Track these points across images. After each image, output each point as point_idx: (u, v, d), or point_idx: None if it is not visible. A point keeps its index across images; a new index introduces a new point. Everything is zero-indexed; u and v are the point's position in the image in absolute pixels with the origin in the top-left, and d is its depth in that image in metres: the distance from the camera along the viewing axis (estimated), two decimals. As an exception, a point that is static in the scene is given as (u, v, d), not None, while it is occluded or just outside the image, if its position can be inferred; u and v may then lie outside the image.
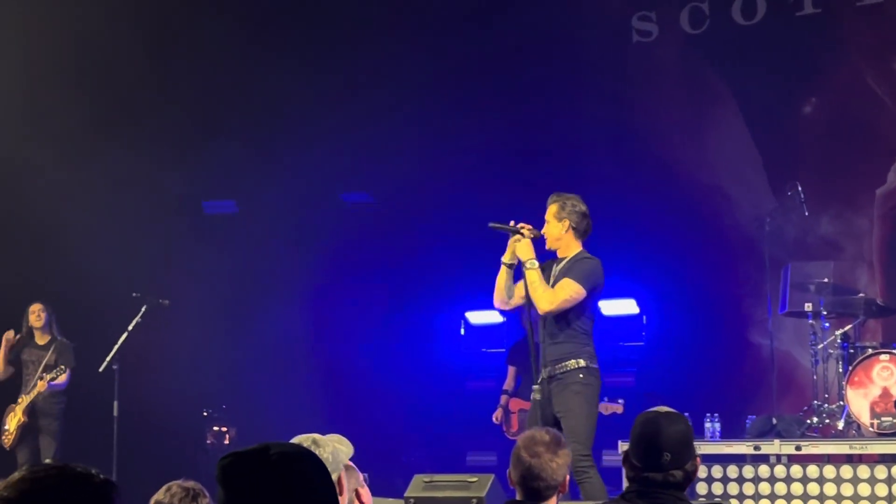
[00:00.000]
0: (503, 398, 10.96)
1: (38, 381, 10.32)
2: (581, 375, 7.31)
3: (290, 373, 12.47)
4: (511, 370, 11.03)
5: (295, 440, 4.31)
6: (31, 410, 10.40)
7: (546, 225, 7.45)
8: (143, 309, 10.22)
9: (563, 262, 7.44)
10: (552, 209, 7.47)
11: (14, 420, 10.39)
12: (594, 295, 7.50)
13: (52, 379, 10.29)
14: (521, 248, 7.34)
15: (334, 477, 4.27)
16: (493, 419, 10.93)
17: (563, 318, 7.37)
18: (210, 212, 13.33)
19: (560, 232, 7.43)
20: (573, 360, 7.32)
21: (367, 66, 12.59)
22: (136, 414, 10.90)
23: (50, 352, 10.58)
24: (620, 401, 10.05)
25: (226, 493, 2.44)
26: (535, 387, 7.29)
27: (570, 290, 7.30)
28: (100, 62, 12.12)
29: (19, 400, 10.45)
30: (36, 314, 10.69)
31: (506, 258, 7.47)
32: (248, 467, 2.44)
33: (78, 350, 10.70)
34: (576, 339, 7.38)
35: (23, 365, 10.64)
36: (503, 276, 7.52)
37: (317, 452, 4.23)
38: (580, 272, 7.36)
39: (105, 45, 11.93)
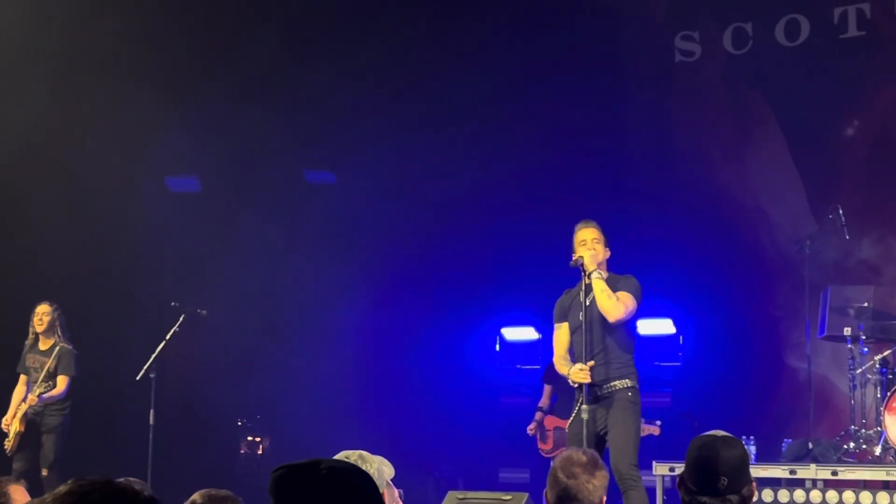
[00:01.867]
0: (538, 415, 10.95)
1: (29, 396, 10.16)
2: (630, 394, 7.42)
3: (325, 385, 12.49)
4: (547, 388, 11.01)
5: (341, 455, 4.35)
6: (29, 420, 10.17)
7: (595, 246, 7.55)
8: (181, 318, 10.25)
9: (614, 281, 7.53)
10: (596, 233, 7.61)
11: (13, 428, 10.17)
12: (637, 313, 7.64)
13: (43, 393, 10.13)
14: (588, 259, 7.46)
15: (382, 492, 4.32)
16: (528, 431, 10.92)
17: (611, 337, 7.47)
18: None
19: (605, 255, 7.60)
20: (623, 381, 7.44)
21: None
22: (172, 422, 10.94)
23: (51, 358, 10.31)
24: (658, 422, 10.02)
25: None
26: (585, 406, 7.31)
27: (631, 302, 7.45)
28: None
29: (20, 405, 10.22)
30: (39, 317, 10.37)
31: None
32: (300, 480, 2.50)
33: (82, 357, 10.45)
34: (624, 360, 7.51)
35: (28, 370, 10.41)
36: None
37: (363, 468, 4.27)
38: (632, 288, 7.53)
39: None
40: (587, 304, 7.48)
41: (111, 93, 12.17)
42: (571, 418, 7.49)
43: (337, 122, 12.85)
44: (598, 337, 7.46)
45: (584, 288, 7.51)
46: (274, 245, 12.84)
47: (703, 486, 4.14)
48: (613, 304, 7.36)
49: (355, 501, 2.49)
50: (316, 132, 12.93)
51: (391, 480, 4.59)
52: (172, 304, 10.36)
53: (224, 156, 12.73)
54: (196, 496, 4.49)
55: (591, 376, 7.33)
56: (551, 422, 10.78)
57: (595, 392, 7.37)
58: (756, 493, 8.49)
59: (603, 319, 7.44)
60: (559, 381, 10.81)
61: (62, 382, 10.27)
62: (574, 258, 7.56)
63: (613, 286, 7.46)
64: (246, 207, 12.81)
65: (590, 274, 7.45)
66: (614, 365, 7.44)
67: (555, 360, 7.74)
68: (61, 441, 10.27)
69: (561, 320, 7.74)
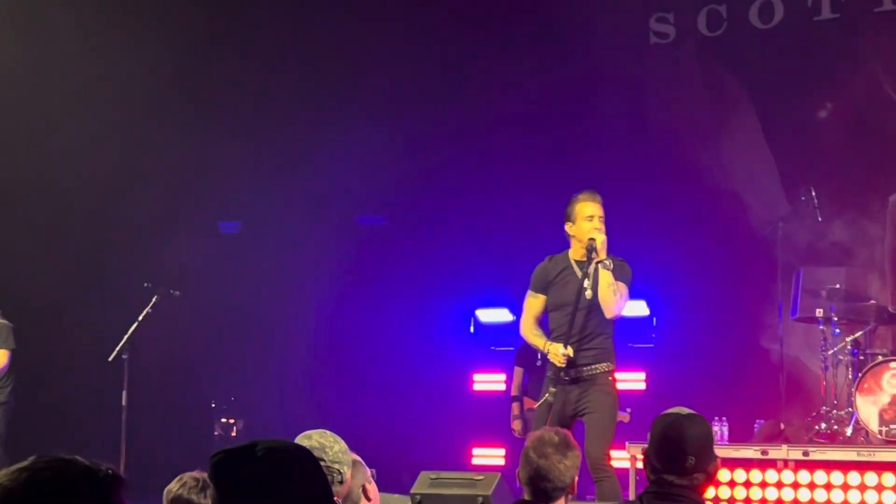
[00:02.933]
0: (515, 407, 10.87)
1: None
2: (610, 378, 7.35)
3: (299, 368, 12.48)
4: (518, 371, 10.99)
5: (303, 435, 4.35)
6: None
7: (602, 226, 7.34)
8: (153, 299, 10.21)
9: (604, 262, 7.30)
10: (602, 211, 7.39)
11: None
12: None
13: None
14: (601, 242, 7.25)
15: (345, 470, 4.33)
16: (515, 432, 10.83)
17: (596, 321, 7.33)
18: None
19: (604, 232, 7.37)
20: (605, 364, 7.36)
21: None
22: (146, 404, 10.91)
23: None
24: (628, 410, 10.03)
25: (217, 490, 2.47)
26: (552, 389, 7.25)
27: (626, 295, 7.34)
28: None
29: None
30: None
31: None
32: (237, 464, 2.47)
33: (18, 330, 10.42)
34: (607, 344, 7.42)
35: None
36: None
37: (329, 445, 4.28)
38: (627, 277, 7.38)
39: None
40: (588, 284, 7.24)
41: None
42: (541, 400, 7.43)
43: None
44: (583, 320, 7.31)
45: (579, 267, 7.32)
46: (249, 227, 12.81)
47: (670, 466, 4.15)
48: (616, 301, 7.22)
49: (294, 480, 2.47)
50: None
51: (361, 457, 4.59)
52: (145, 284, 10.32)
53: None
54: (174, 484, 4.49)
55: (573, 358, 7.25)
56: (526, 403, 10.79)
57: (573, 374, 7.30)
58: (729, 473, 8.59)
59: (596, 305, 7.28)
60: (531, 364, 10.84)
61: (3, 356, 10.22)
62: (586, 238, 7.25)
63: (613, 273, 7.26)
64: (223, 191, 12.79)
65: (599, 262, 7.23)
66: (597, 348, 7.34)
67: (522, 327, 7.55)
68: (5, 420, 10.24)
69: (539, 291, 7.52)
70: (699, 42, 12.40)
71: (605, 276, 7.20)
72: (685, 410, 4.35)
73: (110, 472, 2.22)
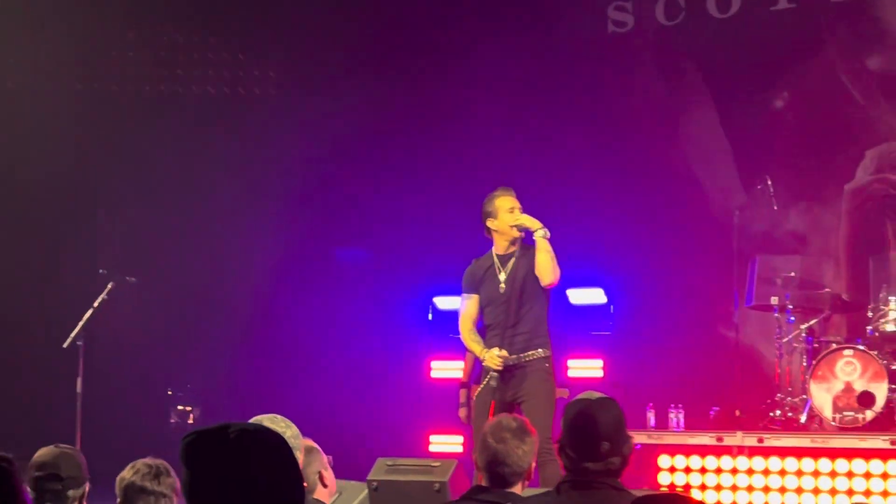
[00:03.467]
0: (462, 394, 10.91)
1: None
2: (546, 364, 7.43)
3: (255, 355, 12.44)
4: (470, 357, 11.01)
5: (256, 419, 4.33)
6: None
7: (521, 214, 7.52)
8: (109, 286, 10.12)
9: (527, 252, 7.49)
10: (517, 202, 7.58)
11: None
12: (560, 284, 7.70)
13: None
14: (529, 218, 7.47)
15: (298, 455, 4.32)
16: (463, 418, 10.87)
17: (529, 308, 7.47)
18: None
19: None
20: (540, 350, 7.46)
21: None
22: (101, 391, 10.84)
23: None
24: (566, 389, 10.08)
25: (188, 471, 2.48)
26: (494, 374, 7.34)
27: (558, 272, 7.45)
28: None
29: None
30: None
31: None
32: (209, 445, 2.47)
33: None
34: (539, 330, 7.52)
35: None
36: None
37: (281, 431, 4.27)
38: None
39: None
40: (504, 276, 7.47)
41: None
42: (480, 387, 7.51)
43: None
44: (515, 308, 7.45)
45: (501, 262, 7.51)
46: (205, 214, 12.74)
47: (585, 453, 4.10)
48: (553, 266, 7.39)
49: (266, 463, 2.48)
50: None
51: (319, 444, 4.59)
52: (101, 271, 10.24)
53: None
54: (127, 471, 4.47)
55: (506, 343, 7.37)
56: (474, 390, 10.83)
57: (509, 362, 7.38)
58: (668, 458, 8.65)
59: (522, 290, 7.43)
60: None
61: None
62: (515, 224, 7.48)
63: (529, 259, 7.45)
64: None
65: (535, 232, 7.41)
66: (530, 335, 7.45)
67: (461, 331, 7.69)
68: None
69: (471, 291, 7.68)
70: (657, 31, 12.44)
71: (543, 244, 7.40)
72: (595, 395, 4.32)
73: (5, 459, 2.21)
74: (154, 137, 12.51)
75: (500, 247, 7.61)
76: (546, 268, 7.37)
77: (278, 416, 4.43)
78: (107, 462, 5.45)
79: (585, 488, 4.05)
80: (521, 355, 7.42)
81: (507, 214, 7.52)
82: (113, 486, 4.50)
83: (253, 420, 4.38)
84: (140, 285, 10.57)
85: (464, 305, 7.72)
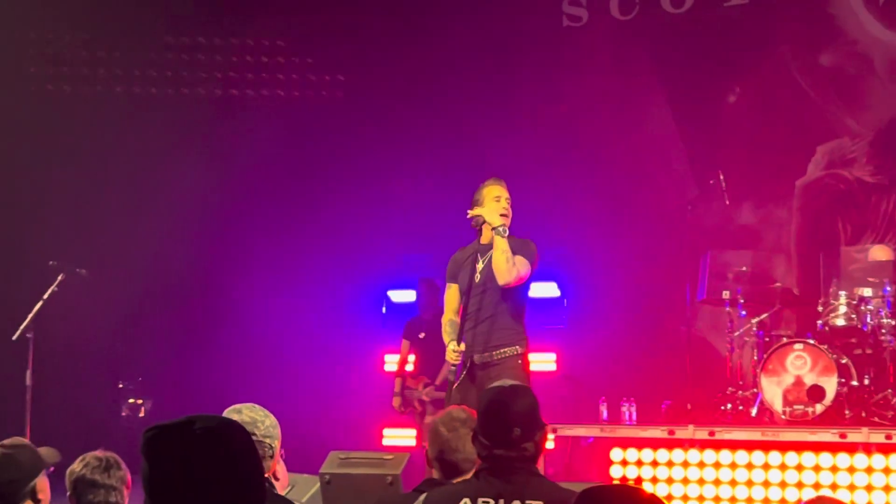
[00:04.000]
0: (397, 382, 10.98)
1: None
2: (520, 361, 7.31)
3: (209, 348, 12.37)
4: (406, 344, 11.04)
5: (234, 408, 4.32)
6: None
7: (508, 207, 7.32)
8: (59, 277, 10.01)
9: (498, 229, 7.26)
10: (505, 192, 7.37)
11: None
12: (531, 279, 7.48)
13: None
14: (489, 212, 7.26)
15: (276, 444, 4.34)
16: (396, 407, 10.94)
17: (503, 302, 7.32)
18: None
19: (510, 215, 7.37)
20: (513, 347, 7.33)
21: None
22: (51, 384, 10.74)
23: None
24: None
25: (150, 466, 2.45)
26: (452, 367, 7.26)
27: (525, 269, 7.26)
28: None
29: None
30: None
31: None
32: (173, 440, 2.45)
33: None
34: (514, 327, 7.37)
35: None
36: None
37: (260, 420, 4.29)
38: (529, 253, 7.31)
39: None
40: (481, 266, 7.31)
41: None
42: (448, 390, 7.38)
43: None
44: (489, 301, 7.30)
45: (479, 248, 7.37)
46: (156, 206, 12.65)
47: (497, 439, 4.11)
48: (509, 267, 7.14)
49: (230, 457, 2.46)
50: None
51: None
52: (51, 262, 10.13)
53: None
54: (76, 464, 4.43)
55: (476, 339, 7.28)
56: (415, 382, 10.88)
57: (479, 359, 7.28)
58: (620, 451, 8.68)
59: (493, 284, 7.26)
60: (415, 337, 10.91)
61: None
62: (472, 215, 7.31)
63: (511, 249, 7.24)
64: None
65: (494, 229, 7.20)
66: (504, 331, 7.30)
67: (443, 321, 7.55)
68: None
69: (452, 280, 7.52)
70: (612, 26, 12.48)
71: (500, 243, 7.16)
72: (508, 382, 4.34)
73: None
74: (101, 133, 12.43)
75: (484, 236, 7.40)
76: (500, 267, 7.16)
77: (256, 406, 4.43)
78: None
79: (503, 473, 4.05)
80: (494, 353, 7.28)
81: (492, 202, 7.28)
82: (63, 479, 4.47)
83: (231, 409, 4.36)
84: (91, 277, 10.46)
85: (446, 294, 7.58)
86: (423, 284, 11.07)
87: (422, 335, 10.83)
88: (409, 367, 11.11)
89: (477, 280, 7.33)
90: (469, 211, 7.39)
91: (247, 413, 4.34)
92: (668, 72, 12.19)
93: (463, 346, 7.21)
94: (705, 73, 11.99)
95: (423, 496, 4.20)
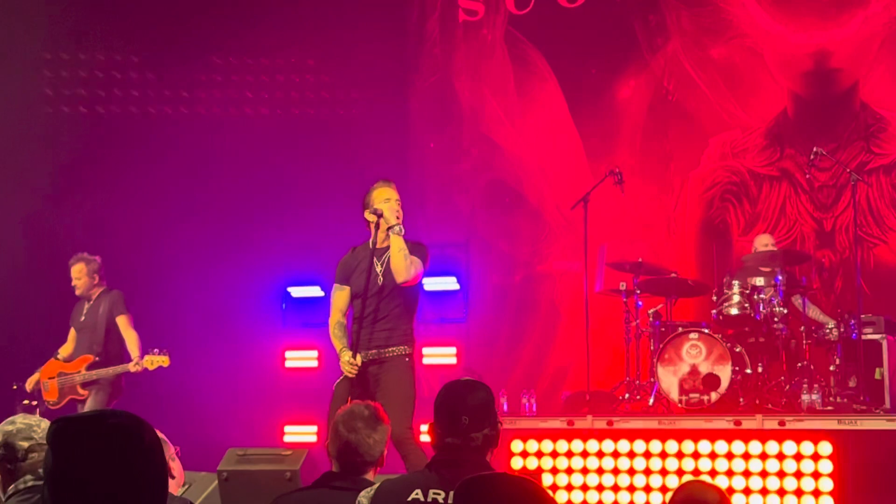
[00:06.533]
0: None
1: None
2: (406, 360, 7.34)
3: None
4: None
5: (10, 420, 4.29)
6: None
7: (399, 208, 7.36)
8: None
9: (394, 228, 7.33)
10: (395, 193, 7.42)
11: None
12: (422, 282, 7.56)
13: None
14: (389, 210, 7.29)
15: None
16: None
17: (397, 304, 7.35)
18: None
19: (401, 216, 7.41)
20: (401, 347, 7.36)
21: None
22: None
23: None
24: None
25: (55, 459, 2.40)
26: (348, 359, 7.24)
27: (420, 269, 7.32)
28: None
29: None
30: None
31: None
32: (82, 434, 2.41)
33: None
34: (405, 328, 7.41)
35: None
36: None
37: (36, 424, 4.27)
38: (421, 254, 7.37)
39: None
40: (381, 268, 7.32)
41: None
42: (341, 378, 7.38)
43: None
44: (384, 303, 7.33)
45: (373, 251, 7.35)
46: (51, 197, 12.45)
47: (448, 428, 4.24)
48: (407, 265, 7.21)
49: (139, 457, 2.44)
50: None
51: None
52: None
53: None
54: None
55: (366, 337, 7.28)
56: None
57: (368, 355, 7.29)
58: (520, 442, 8.73)
59: (394, 290, 7.31)
60: None
61: None
62: (371, 209, 7.33)
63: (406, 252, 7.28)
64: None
65: (391, 228, 7.26)
66: (393, 331, 7.34)
67: (330, 323, 7.53)
68: None
69: (342, 282, 7.52)
70: (507, 19, 12.53)
71: (397, 242, 7.23)
72: (466, 378, 4.48)
73: None
74: None
75: (378, 238, 7.41)
76: (399, 265, 7.21)
77: (28, 414, 4.45)
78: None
79: (452, 466, 4.12)
80: (382, 350, 7.30)
81: (382, 204, 7.32)
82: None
83: (7, 421, 4.38)
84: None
85: (334, 297, 7.55)
86: None
87: None
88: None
89: (380, 282, 7.34)
90: (365, 213, 7.41)
91: (21, 421, 4.36)
92: (562, 65, 12.28)
93: (360, 360, 7.21)
94: (599, 66, 12.12)
95: (376, 485, 4.22)
